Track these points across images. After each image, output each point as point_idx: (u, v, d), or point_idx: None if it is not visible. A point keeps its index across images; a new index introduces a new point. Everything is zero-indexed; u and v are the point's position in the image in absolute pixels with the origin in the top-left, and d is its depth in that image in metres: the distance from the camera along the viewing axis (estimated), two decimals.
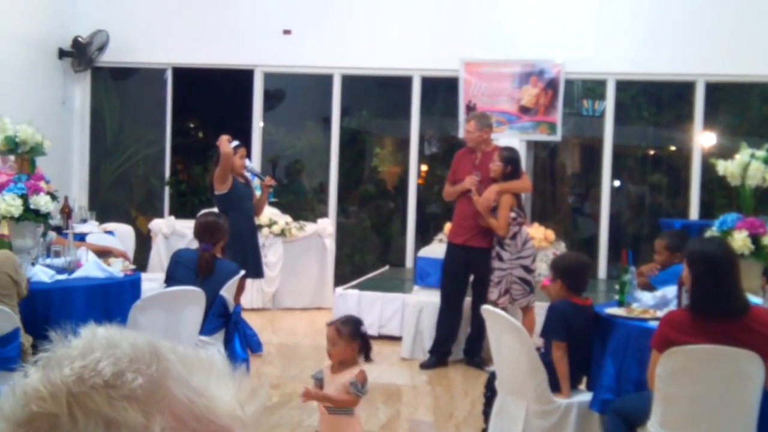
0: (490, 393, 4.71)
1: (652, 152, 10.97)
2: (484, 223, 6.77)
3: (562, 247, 9.29)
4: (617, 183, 10.04)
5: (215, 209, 6.71)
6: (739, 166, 4.42)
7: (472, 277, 7.10)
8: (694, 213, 9.48)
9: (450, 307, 7.12)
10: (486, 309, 4.59)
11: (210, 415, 0.86)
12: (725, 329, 3.65)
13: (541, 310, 7.37)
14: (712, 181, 9.84)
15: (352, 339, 3.96)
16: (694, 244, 3.93)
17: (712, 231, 4.49)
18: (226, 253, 6.54)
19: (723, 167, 4.50)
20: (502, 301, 6.65)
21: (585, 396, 4.41)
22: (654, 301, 4.58)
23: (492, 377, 4.69)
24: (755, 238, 4.34)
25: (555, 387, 4.37)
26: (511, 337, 4.35)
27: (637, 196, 10.89)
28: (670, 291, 4.59)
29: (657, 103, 10.52)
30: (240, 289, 6.90)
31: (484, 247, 6.86)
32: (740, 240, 4.21)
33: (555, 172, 11.14)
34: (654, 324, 4.23)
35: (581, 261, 4.65)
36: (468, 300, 7.17)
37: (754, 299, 3.96)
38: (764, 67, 9.21)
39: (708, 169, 9.78)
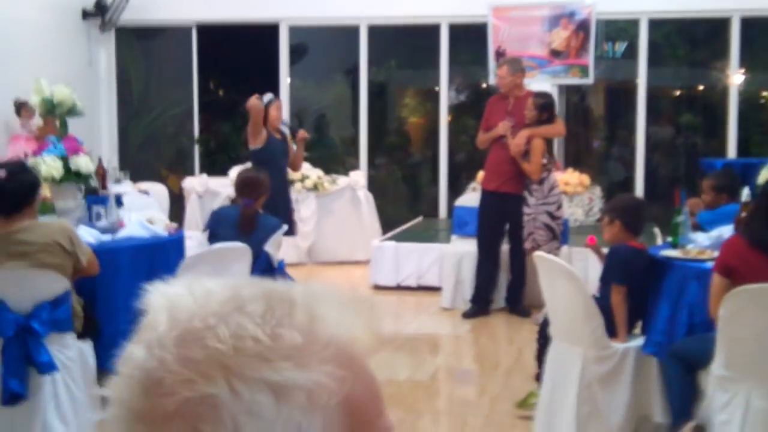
0: (543, 340, 4.66)
1: (686, 92, 10.79)
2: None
3: (597, 192, 9.19)
4: (651, 125, 9.86)
5: (250, 165, 6.65)
6: None
7: (507, 225, 7.03)
8: (731, 152, 9.32)
9: (488, 254, 7.06)
10: (538, 255, 4.51)
11: (359, 350, 0.80)
12: None
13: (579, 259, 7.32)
14: (748, 119, 9.69)
15: None
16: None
17: (767, 168, 4.38)
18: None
19: None
20: (526, 245, 6.60)
21: (640, 341, 4.35)
22: (710, 242, 4.49)
23: (545, 324, 4.63)
24: None
25: (611, 332, 4.30)
26: (566, 283, 4.28)
27: (672, 137, 10.73)
28: (726, 230, 4.49)
29: (691, 41, 10.32)
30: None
31: (517, 193, 6.79)
32: None
33: (588, 115, 10.99)
34: (708, 264, 4.16)
35: (638, 200, 4.58)
36: (506, 247, 7.11)
37: None
38: None
39: (745, 107, 9.63)
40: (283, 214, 6.79)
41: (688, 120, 10.61)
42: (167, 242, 5.04)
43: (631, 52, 9.66)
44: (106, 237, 4.97)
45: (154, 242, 4.97)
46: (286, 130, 7.12)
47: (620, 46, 9.88)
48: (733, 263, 3.63)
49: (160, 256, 4.92)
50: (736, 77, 9.36)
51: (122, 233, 5.02)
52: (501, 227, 7.01)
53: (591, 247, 4.78)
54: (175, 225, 5.48)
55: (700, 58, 10.44)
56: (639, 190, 9.58)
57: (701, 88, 10.68)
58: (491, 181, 6.99)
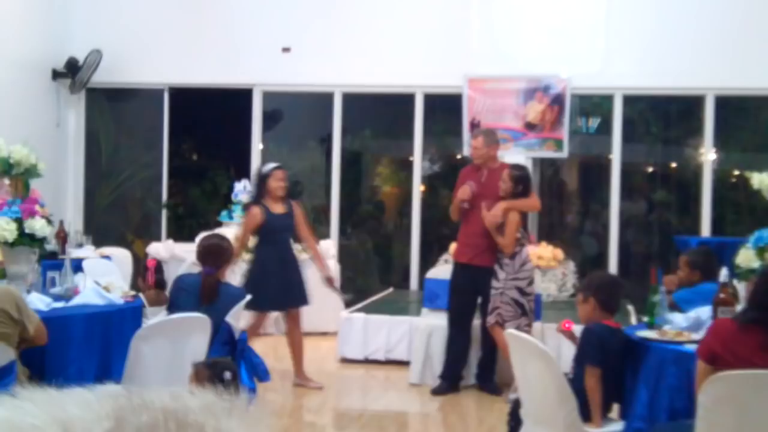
0: (514, 422, 4.45)
1: (660, 169, 10.77)
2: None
3: (570, 267, 9.07)
4: (624, 201, 9.80)
5: (218, 231, 6.47)
6: None
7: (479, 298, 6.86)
8: (705, 230, 9.25)
9: (459, 329, 6.88)
10: (510, 333, 4.34)
11: None
12: None
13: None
14: (721, 198, 9.65)
15: (210, 386, 3.53)
16: None
17: (747, 248, 4.25)
18: (254, 286, 6.45)
19: (758, 180, 4.27)
20: (490, 319, 6.43)
21: (617, 426, 4.16)
22: (687, 323, 4.34)
23: (516, 405, 4.43)
24: None
25: (585, 416, 4.11)
26: (539, 363, 4.09)
27: (646, 214, 10.67)
28: (704, 312, 4.35)
29: (665, 118, 10.33)
30: (294, 319, 6.92)
31: (490, 266, 6.64)
32: None
33: (562, 189, 10.92)
34: (690, 347, 4.00)
35: (614, 279, 4.43)
36: (477, 322, 6.93)
37: None
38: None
39: (718, 185, 9.60)
40: (287, 287, 6.68)
41: (661, 197, 10.57)
42: (123, 311, 4.82)
43: (606, 128, 9.64)
44: (59, 304, 4.74)
45: (108, 310, 4.74)
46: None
47: (594, 122, 9.88)
48: (718, 350, 3.46)
49: (115, 326, 4.69)
50: (709, 155, 9.34)
51: (76, 300, 4.80)
52: (473, 301, 6.84)
53: (564, 333, 4.60)
54: (133, 293, 5.25)
55: (674, 135, 10.45)
56: (612, 265, 9.47)
57: (675, 165, 10.67)
58: (463, 253, 6.84)
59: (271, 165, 6.84)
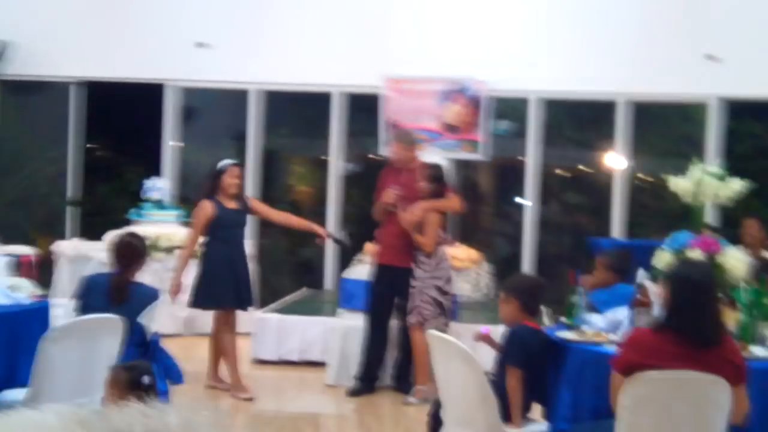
0: (435, 423, 4.41)
1: (574, 172, 10.94)
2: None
3: (485, 268, 9.11)
4: (539, 203, 9.91)
5: (133, 229, 6.28)
6: (692, 183, 4.26)
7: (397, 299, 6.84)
8: (617, 232, 9.42)
9: (376, 330, 6.84)
10: (432, 334, 4.30)
11: None
12: (697, 355, 3.45)
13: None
14: (633, 201, 9.85)
15: (129, 391, 3.42)
16: (678, 266, 3.74)
17: (664, 251, 4.31)
18: (202, 283, 6.44)
19: (674, 184, 4.33)
20: (410, 319, 6.41)
21: (537, 426, 4.17)
22: (606, 324, 4.38)
23: (437, 406, 4.40)
24: (710, 257, 4.18)
25: (505, 416, 4.10)
26: (460, 364, 4.07)
27: (559, 216, 10.83)
28: (621, 312, 4.39)
29: (579, 122, 10.50)
30: (227, 319, 6.68)
31: (408, 267, 6.62)
32: (708, 263, 4.05)
33: (478, 191, 10.99)
34: (609, 348, 4.03)
35: (537, 281, 4.44)
36: (395, 323, 6.89)
37: None
38: (685, 86, 9.26)
39: (630, 189, 9.80)
40: (230, 286, 6.50)
41: (575, 199, 10.74)
42: (30, 311, 4.60)
43: (521, 131, 9.74)
44: None
45: (15, 311, 4.52)
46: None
47: (510, 125, 9.97)
48: (635, 360, 3.46)
49: (22, 327, 4.48)
50: (621, 159, 9.52)
51: None
52: (392, 302, 6.80)
53: (483, 339, 4.58)
54: (40, 292, 5.04)
55: (588, 139, 10.62)
56: (527, 267, 9.57)
57: (588, 168, 10.85)
58: (384, 254, 6.80)
59: (226, 161, 6.72)
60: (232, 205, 6.58)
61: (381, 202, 6.77)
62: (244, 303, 6.69)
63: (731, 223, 8.08)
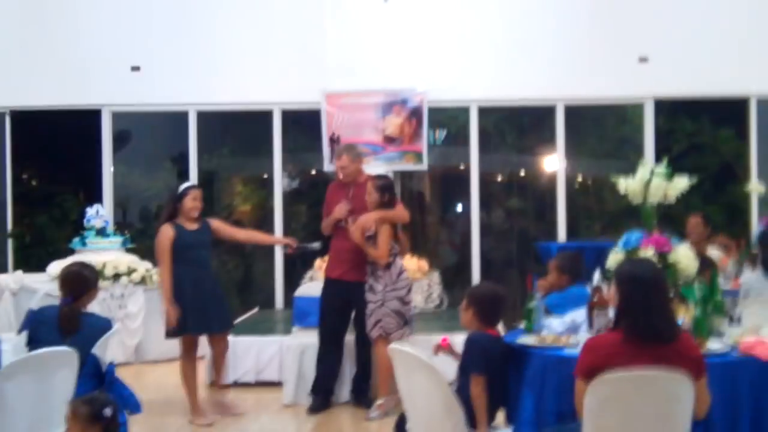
0: None
1: (516, 177, 11.05)
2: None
3: (435, 278, 9.15)
4: (483, 210, 9.98)
5: (81, 259, 6.15)
6: (641, 184, 4.33)
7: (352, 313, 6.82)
8: (561, 235, 9.54)
9: (329, 343, 6.81)
10: (393, 348, 4.29)
11: None
12: (654, 353, 3.49)
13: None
14: (575, 203, 10.00)
15: (90, 424, 3.40)
16: (624, 266, 3.78)
17: (617, 251, 4.37)
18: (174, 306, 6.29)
19: (624, 185, 4.40)
20: (373, 333, 6.39)
21: None
22: (564, 327, 4.42)
23: (402, 420, 4.39)
24: (662, 256, 4.25)
25: (470, 424, 4.11)
26: (423, 376, 4.07)
27: (503, 222, 10.93)
28: (579, 315, 4.44)
29: (519, 128, 10.62)
30: (191, 345, 6.51)
31: (361, 280, 6.62)
32: (652, 259, 4.11)
33: (422, 201, 11.04)
34: (569, 351, 4.07)
35: (496, 292, 4.43)
36: (350, 337, 6.87)
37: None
38: (618, 90, 9.45)
39: (571, 192, 9.94)
40: (203, 311, 6.37)
41: (517, 205, 10.85)
42: None
43: (463, 139, 9.81)
44: None
45: None
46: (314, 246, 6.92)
47: (441, 134, 10.05)
48: (597, 365, 3.49)
49: None
50: (562, 163, 9.65)
51: None
52: (345, 315, 6.79)
53: (444, 350, 4.58)
54: None
55: (528, 144, 10.75)
56: (475, 274, 9.63)
57: (530, 173, 10.98)
58: (334, 268, 6.78)
59: (186, 184, 6.64)
60: (193, 227, 6.49)
61: (331, 217, 6.76)
62: (219, 325, 6.56)
63: (672, 221, 8.25)
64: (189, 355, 6.57)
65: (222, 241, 7.06)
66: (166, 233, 6.39)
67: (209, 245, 6.60)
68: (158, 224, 6.60)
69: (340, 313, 6.77)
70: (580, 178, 10.44)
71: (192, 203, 6.48)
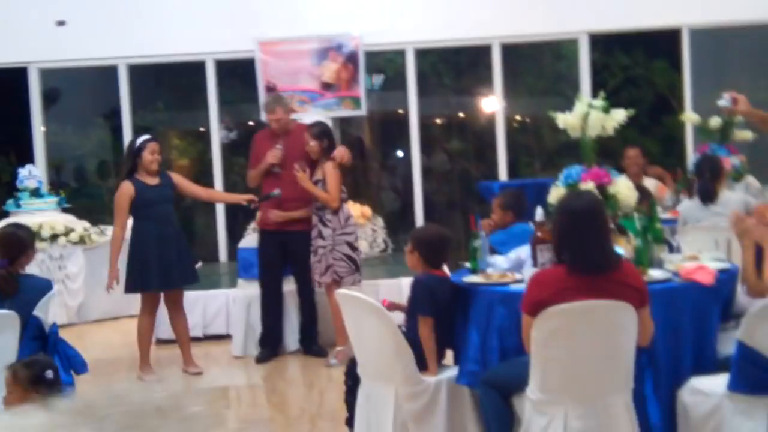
0: (351, 381, 4.41)
1: (455, 119, 11.06)
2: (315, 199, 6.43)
3: (380, 222, 9.15)
4: (423, 153, 9.98)
5: (16, 220, 5.99)
6: (579, 118, 4.34)
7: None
8: (502, 174, 9.58)
9: (271, 295, 6.81)
10: (341, 293, 4.29)
11: None
12: (598, 284, 3.53)
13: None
14: (514, 142, 10.04)
15: (32, 387, 3.36)
16: (562, 199, 3.80)
17: (558, 186, 4.39)
18: (130, 267, 6.21)
19: (562, 120, 4.40)
20: (325, 279, 6.36)
21: (452, 371, 4.22)
22: (509, 264, 4.45)
23: (352, 364, 4.40)
24: (601, 188, 4.28)
25: (420, 365, 4.14)
26: (372, 319, 4.07)
27: (444, 164, 10.95)
28: (523, 251, 4.47)
29: (456, 69, 10.59)
30: (151, 302, 6.42)
31: (300, 230, 6.59)
32: (589, 191, 4.14)
33: (362, 147, 10.99)
34: (515, 287, 4.10)
35: (440, 234, 4.43)
36: (294, 287, 6.85)
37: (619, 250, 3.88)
38: (554, 24, 9.43)
39: (510, 131, 9.97)
40: (159, 265, 6.26)
41: (458, 146, 10.87)
42: None
43: (401, 83, 9.75)
44: None
45: None
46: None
47: (378, 78, 9.97)
48: (543, 299, 3.52)
49: None
50: (500, 102, 9.65)
51: None
52: (283, 265, 6.76)
53: (390, 308, 4.53)
54: None
55: (466, 85, 10.74)
56: (418, 217, 9.64)
57: (468, 115, 10.98)
58: (269, 219, 6.71)
59: (143, 137, 6.46)
60: (154, 181, 6.34)
61: (264, 163, 6.68)
62: (182, 280, 6.45)
63: (610, 155, 8.34)
64: (149, 310, 6.48)
65: (182, 197, 6.96)
66: (126, 190, 6.26)
67: (171, 199, 6.46)
68: (118, 180, 6.48)
69: (279, 263, 6.75)
70: (518, 117, 10.48)
71: (151, 156, 6.31)
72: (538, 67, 10.69)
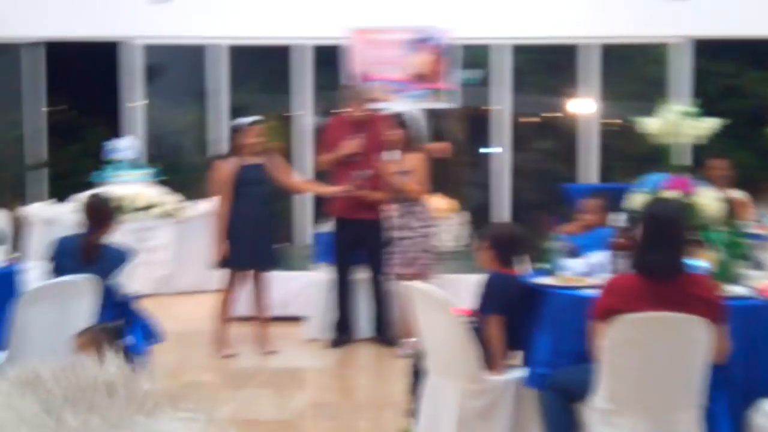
0: (417, 373, 4.41)
1: (546, 118, 10.91)
2: (395, 190, 6.42)
3: (464, 217, 9.09)
4: (513, 151, 9.87)
5: (102, 190, 6.18)
6: (667, 123, 4.23)
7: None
8: (593, 178, 9.41)
9: (344, 281, 6.87)
10: (410, 285, 4.28)
11: None
12: (672, 295, 3.46)
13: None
14: (607, 146, 9.85)
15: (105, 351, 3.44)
16: (649, 206, 3.71)
17: (641, 192, 4.29)
18: (230, 244, 6.30)
19: (649, 125, 4.30)
20: (409, 270, 6.33)
21: (520, 372, 4.17)
22: (586, 268, 4.37)
23: (419, 356, 4.40)
24: (685, 198, 4.17)
25: (488, 364, 4.11)
26: (440, 314, 4.06)
27: (530, 163, 10.81)
28: (601, 255, 4.38)
29: (551, 68, 10.44)
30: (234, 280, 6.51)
31: (373, 219, 6.61)
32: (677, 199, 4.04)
33: (449, 141, 10.92)
34: (589, 292, 4.03)
35: (514, 232, 4.39)
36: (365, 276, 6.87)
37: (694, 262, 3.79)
38: (651, 27, 9.21)
39: (604, 134, 9.78)
40: (250, 246, 6.35)
41: (544, 146, 10.72)
42: (4, 274, 4.53)
43: (493, 78, 9.66)
44: None
45: None
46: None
47: (476, 72, 9.90)
48: (616, 306, 3.46)
49: None
50: (589, 104, 9.47)
51: None
52: (355, 253, 6.80)
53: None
54: (16, 254, 4.96)
55: (560, 85, 10.57)
56: (501, 214, 9.57)
57: (561, 115, 10.81)
58: (345, 208, 6.73)
59: (243, 120, 6.58)
60: (254, 162, 6.41)
61: (343, 151, 6.67)
62: (266, 264, 6.55)
63: (702, 165, 8.12)
64: (232, 287, 6.60)
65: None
66: (227, 168, 6.37)
67: (269, 181, 6.50)
68: (219, 158, 6.59)
69: (351, 251, 6.79)
70: (612, 120, 10.26)
71: (255, 139, 6.41)
72: (631, 69, 10.45)
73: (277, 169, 6.56)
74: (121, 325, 3.64)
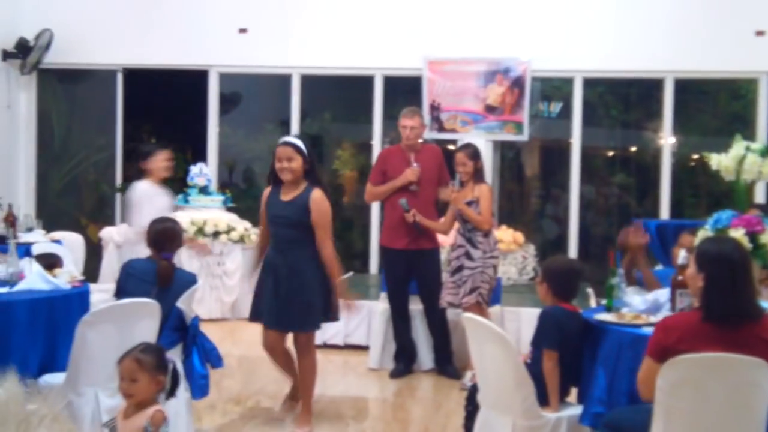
0: (471, 407, 4.38)
1: (620, 152, 10.77)
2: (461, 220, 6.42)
3: (531, 250, 9.03)
4: (585, 184, 9.77)
5: (184, 215, 6.18)
6: (734, 160, 4.14)
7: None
8: (664, 213, 9.25)
9: (399, 312, 6.85)
10: (467, 317, 4.26)
11: None
12: (734, 336, 3.35)
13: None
14: (680, 181, 9.67)
15: (157, 372, 3.43)
16: (708, 244, 3.61)
17: (706, 230, 4.20)
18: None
19: (717, 161, 4.22)
20: (470, 299, 6.29)
21: (575, 409, 4.10)
22: (645, 305, 4.28)
23: (474, 390, 4.36)
24: (753, 236, 4.06)
25: (542, 399, 4.05)
26: (495, 347, 4.02)
27: (605, 197, 10.67)
28: (662, 294, 4.30)
29: (624, 101, 10.32)
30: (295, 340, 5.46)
31: (429, 248, 6.60)
32: (737, 239, 3.93)
33: (521, 172, 10.88)
34: (648, 330, 3.94)
35: (571, 267, 4.33)
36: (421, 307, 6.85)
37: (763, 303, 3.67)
38: (732, 63, 9.05)
39: (677, 169, 9.61)
40: (268, 300, 5.29)
41: (621, 180, 10.57)
42: (69, 296, 4.66)
43: (566, 111, 9.59)
44: (3, 289, 4.58)
45: (54, 296, 4.58)
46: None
47: (555, 105, 9.84)
48: (671, 344, 3.37)
49: (60, 311, 4.53)
50: (668, 139, 9.33)
51: (20, 285, 4.63)
52: (409, 284, 6.79)
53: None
54: (80, 278, 5.09)
55: (634, 118, 10.43)
56: (573, 248, 9.46)
57: (634, 148, 10.66)
58: (398, 238, 6.70)
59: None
60: (287, 197, 5.20)
61: (400, 179, 6.63)
62: (276, 322, 5.34)
63: None
64: (266, 345, 5.56)
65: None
66: (263, 197, 5.40)
67: (296, 224, 5.15)
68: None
69: (406, 282, 6.77)
70: (687, 155, 10.07)
71: (278, 164, 5.19)
72: (712, 104, 10.25)
73: (316, 214, 5.14)
74: (160, 347, 3.68)
